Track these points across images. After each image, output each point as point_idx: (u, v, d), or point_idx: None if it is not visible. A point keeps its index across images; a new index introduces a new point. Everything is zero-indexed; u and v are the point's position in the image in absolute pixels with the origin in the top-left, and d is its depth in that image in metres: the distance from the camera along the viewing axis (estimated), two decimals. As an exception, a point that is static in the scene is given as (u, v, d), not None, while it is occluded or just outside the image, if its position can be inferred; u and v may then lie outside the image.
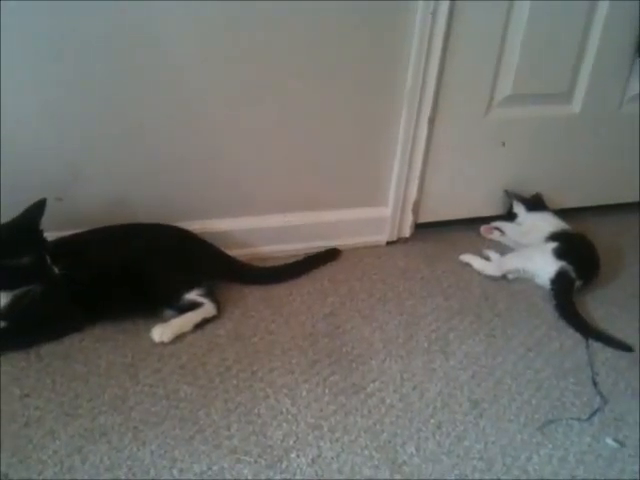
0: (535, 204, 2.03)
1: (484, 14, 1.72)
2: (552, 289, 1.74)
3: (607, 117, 2.07)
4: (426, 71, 1.71)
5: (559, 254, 1.77)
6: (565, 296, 1.72)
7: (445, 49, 1.71)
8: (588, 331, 1.62)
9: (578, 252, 1.82)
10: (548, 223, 1.95)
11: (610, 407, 1.40)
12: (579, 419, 1.36)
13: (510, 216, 2.04)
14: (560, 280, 1.74)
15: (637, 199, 2.30)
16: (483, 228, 2.05)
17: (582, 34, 1.88)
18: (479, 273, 1.84)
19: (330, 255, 1.86)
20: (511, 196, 2.04)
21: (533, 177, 2.07)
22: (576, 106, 2.01)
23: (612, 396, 1.43)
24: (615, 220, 2.21)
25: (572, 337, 1.61)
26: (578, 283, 1.75)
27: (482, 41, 1.77)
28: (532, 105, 1.95)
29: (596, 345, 1.59)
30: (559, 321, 1.66)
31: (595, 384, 1.46)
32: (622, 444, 1.31)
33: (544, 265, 1.77)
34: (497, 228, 2.05)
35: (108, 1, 1.38)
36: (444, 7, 1.63)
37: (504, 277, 1.83)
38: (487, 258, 1.89)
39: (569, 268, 1.74)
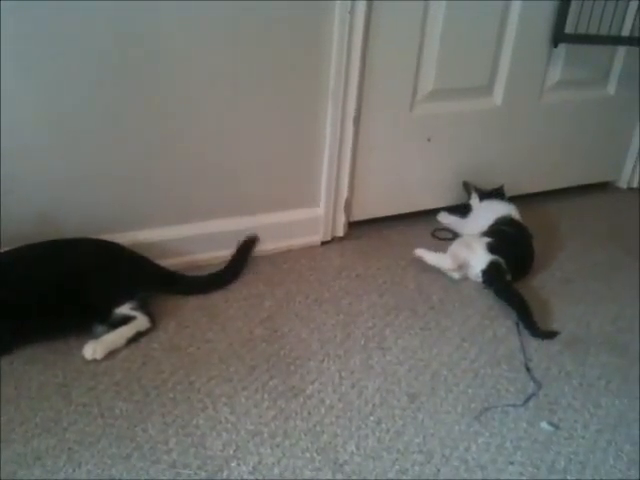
0: (489, 194, 2.05)
1: (401, 12, 1.75)
2: (484, 280, 1.77)
3: (528, 107, 2.14)
4: (348, 70, 1.73)
5: (492, 249, 1.78)
6: (499, 280, 1.74)
7: (365, 48, 1.73)
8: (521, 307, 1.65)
9: (511, 248, 1.83)
10: (492, 211, 1.97)
11: (544, 391, 1.44)
12: (514, 405, 1.39)
13: (465, 208, 2.08)
14: (492, 269, 1.76)
15: (560, 186, 2.38)
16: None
17: (499, 27, 1.93)
18: (434, 268, 1.84)
19: (250, 243, 1.84)
20: (469, 187, 2.08)
21: (460, 170, 2.11)
22: (497, 98, 2.07)
23: (546, 380, 1.47)
24: (538, 208, 2.27)
25: (504, 325, 1.64)
26: (508, 277, 1.78)
27: (401, 38, 1.80)
28: (455, 99, 1.99)
29: (528, 331, 1.62)
30: (491, 310, 1.70)
31: (528, 370, 1.49)
32: (557, 427, 1.34)
33: (480, 255, 1.78)
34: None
35: None
36: (361, 6, 1.65)
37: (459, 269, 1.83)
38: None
39: (501, 262, 1.76)
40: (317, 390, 1.40)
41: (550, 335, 1.61)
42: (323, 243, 1.98)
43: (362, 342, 1.56)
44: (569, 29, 1.98)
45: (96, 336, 1.45)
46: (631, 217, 2.27)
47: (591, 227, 2.20)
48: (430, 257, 1.85)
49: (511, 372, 1.49)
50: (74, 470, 1.17)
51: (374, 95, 1.82)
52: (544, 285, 1.84)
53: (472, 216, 2.04)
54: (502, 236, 1.85)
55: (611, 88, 2.29)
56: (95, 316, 1.47)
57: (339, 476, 1.20)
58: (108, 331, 1.46)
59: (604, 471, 1.25)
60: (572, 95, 2.20)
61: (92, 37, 1.44)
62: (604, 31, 2.01)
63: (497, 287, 1.74)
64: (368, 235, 2.03)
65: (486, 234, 1.87)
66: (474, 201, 2.06)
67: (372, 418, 1.33)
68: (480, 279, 1.78)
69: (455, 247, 1.85)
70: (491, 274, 1.76)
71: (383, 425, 1.32)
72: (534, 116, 2.16)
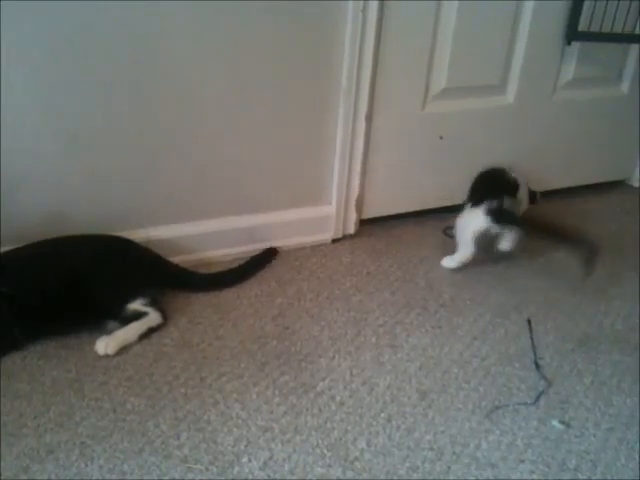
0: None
1: (414, 9, 1.74)
2: (492, 220, 1.75)
3: (541, 106, 2.13)
4: (360, 68, 1.73)
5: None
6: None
7: (378, 46, 1.73)
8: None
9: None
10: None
11: (555, 389, 1.43)
12: (525, 403, 1.39)
13: None
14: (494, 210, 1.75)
15: (572, 184, 2.36)
16: None
17: (511, 25, 1.92)
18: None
19: (268, 255, 1.85)
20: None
21: (472, 168, 2.08)
22: (510, 96, 2.06)
23: (557, 378, 1.47)
24: (550, 206, 2.23)
25: (515, 323, 1.64)
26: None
27: (414, 36, 1.79)
28: (467, 97, 1.98)
29: (539, 329, 1.62)
30: (502, 308, 1.70)
31: (538, 367, 1.49)
32: (568, 425, 1.34)
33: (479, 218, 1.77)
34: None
35: None
36: (374, 4, 1.65)
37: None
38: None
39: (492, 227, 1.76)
40: (328, 387, 1.40)
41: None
42: (334, 241, 1.98)
43: (373, 339, 1.56)
44: (582, 27, 1.97)
45: (108, 332, 1.47)
46: (644, 216, 2.26)
47: (603, 225, 2.19)
48: (455, 261, 1.85)
49: (522, 370, 1.48)
50: (86, 464, 1.18)
51: (386, 92, 1.82)
52: (555, 283, 1.83)
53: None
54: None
55: (624, 86, 2.27)
56: (106, 311, 1.48)
57: (349, 472, 1.20)
58: (120, 327, 1.48)
59: (615, 469, 1.24)
60: (585, 93, 2.19)
61: (95, 37, 1.44)
62: (618, 29, 2.00)
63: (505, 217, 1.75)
64: (379, 233, 2.04)
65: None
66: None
67: (383, 415, 1.34)
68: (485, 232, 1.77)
69: (459, 233, 1.84)
70: (495, 211, 1.75)
71: (394, 422, 1.32)
72: (547, 114, 2.15)
